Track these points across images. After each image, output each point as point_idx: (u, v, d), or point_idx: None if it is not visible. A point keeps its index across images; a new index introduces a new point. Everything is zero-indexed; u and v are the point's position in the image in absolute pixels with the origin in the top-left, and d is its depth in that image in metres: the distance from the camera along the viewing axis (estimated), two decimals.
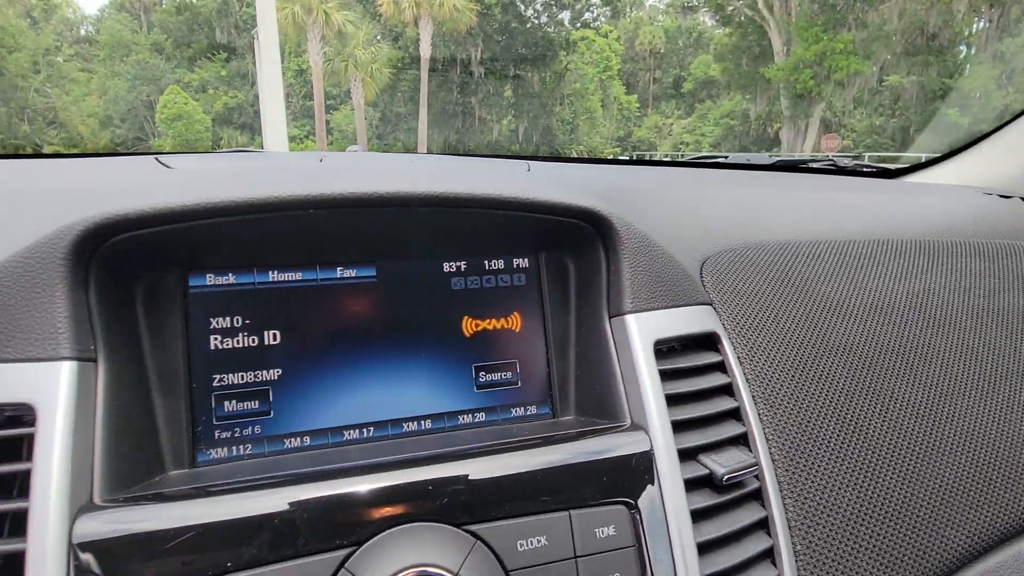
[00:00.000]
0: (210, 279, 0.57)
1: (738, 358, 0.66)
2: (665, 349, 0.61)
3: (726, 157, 1.67)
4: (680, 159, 1.75)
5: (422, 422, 0.62)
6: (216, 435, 0.56)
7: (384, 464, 0.47)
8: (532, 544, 0.44)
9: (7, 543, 0.40)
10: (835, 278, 0.82)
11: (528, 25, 32.11)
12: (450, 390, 0.63)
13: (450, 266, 0.65)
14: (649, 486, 0.50)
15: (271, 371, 0.58)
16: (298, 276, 0.60)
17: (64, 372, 0.44)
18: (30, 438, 0.42)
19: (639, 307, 0.60)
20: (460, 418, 0.63)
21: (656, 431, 0.53)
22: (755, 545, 0.55)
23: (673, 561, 0.48)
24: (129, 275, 0.53)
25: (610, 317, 0.61)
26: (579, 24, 35.15)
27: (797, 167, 1.62)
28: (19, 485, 0.43)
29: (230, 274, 0.58)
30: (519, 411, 0.65)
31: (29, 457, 0.42)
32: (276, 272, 0.59)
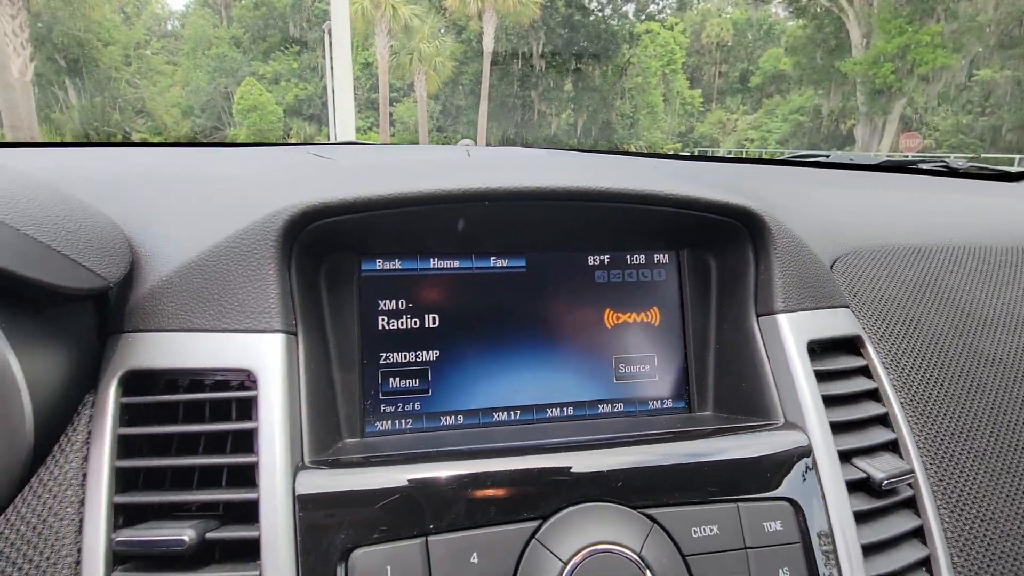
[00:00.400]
0: (379, 264, 0.62)
1: (882, 363, 0.65)
2: (817, 350, 0.61)
3: (827, 156, 1.61)
4: (778, 157, 1.70)
5: (564, 409, 0.64)
6: (382, 409, 0.60)
7: (567, 444, 0.50)
8: (705, 532, 0.46)
9: (240, 492, 0.45)
10: (976, 286, 0.79)
11: (591, 18, 31.74)
12: (591, 380, 0.65)
13: (594, 259, 0.67)
14: (811, 485, 0.51)
15: (430, 352, 0.62)
16: (455, 264, 0.64)
17: (277, 343, 0.49)
18: (253, 401, 0.47)
19: (790, 307, 0.60)
20: (600, 407, 0.65)
21: (815, 431, 0.53)
22: (911, 553, 0.54)
23: (838, 561, 0.49)
24: (317, 258, 0.58)
25: (758, 316, 0.61)
26: (644, 16, 34.44)
27: (906, 168, 1.54)
28: (239, 440, 0.48)
29: (397, 260, 0.62)
30: (655, 404, 0.67)
31: (253, 416, 0.47)
32: (436, 260, 0.63)
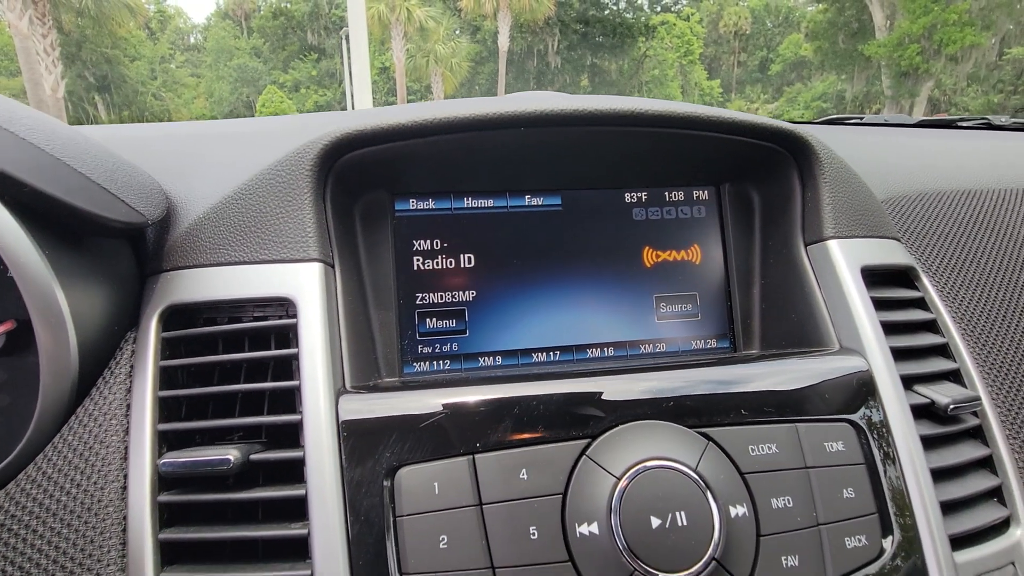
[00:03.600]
0: (413, 204, 0.61)
1: (939, 294, 0.62)
2: (869, 279, 0.58)
3: (861, 118, 1.56)
4: (812, 119, 1.65)
5: (605, 349, 0.62)
6: (419, 349, 0.59)
7: (615, 369, 0.48)
8: (763, 450, 0.44)
9: (284, 417, 0.44)
10: None
11: (606, 12, 31.52)
12: (631, 320, 0.63)
13: (631, 196, 0.65)
14: (873, 408, 0.48)
15: (467, 292, 0.61)
16: (490, 203, 0.62)
17: (315, 272, 0.48)
18: (293, 328, 0.47)
19: (841, 233, 0.57)
20: (641, 347, 0.63)
21: (875, 355, 0.51)
22: (981, 482, 0.51)
23: (905, 484, 0.46)
24: (352, 197, 0.57)
25: (806, 245, 0.59)
26: (659, 8, 34.07)
27: (946, 124, 1.49)
28: (279, 369, 0.47)
29: (430, 199, 0.61)
30: (699, 344, 0.64)
31: (293, 344, 0.46)
32: (470, 199, 0.62)
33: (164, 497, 0.43)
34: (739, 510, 0.41)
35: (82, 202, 0.45)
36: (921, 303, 0.61)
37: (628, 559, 0.38)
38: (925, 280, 0.62)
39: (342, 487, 0.41)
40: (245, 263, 0.50)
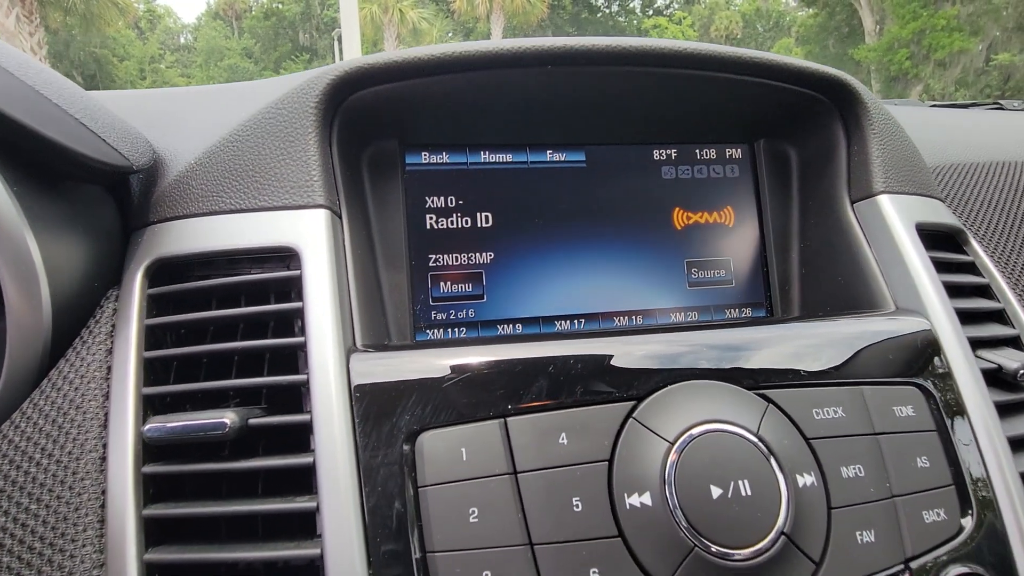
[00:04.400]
0: (425, 157, 0.56)
1: (991, 258, 0.58)
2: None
3: None
4: None
5: (634, 317, 0.58)
6: (433, 316, 0.54)
7: (655, 327, 0.44)
8: (829, 414, 0.39)
9: (289, 377, 0.39)
10: None
11: (599, 15, 31.60)
12: (661, 286, 0.59)
13: (660, 154, 0.60)
14: (941, 372, 0.44)
15: (484, 254, 0.56)
16: (509, 158, 0.57)
17: (322, 219, 0.43)
18: (297, 280, 0.41)
19: (892, 188, 0.53)
20: (672, 316, 0.58)
21: (939, 316, 0.46)
22: None
23: (982, 454, 0.41)
24: (360, 141, 0.52)
25: (852, 202, 0.54)
26: (651, 12, 34.20)
27: (960, 107, 1.46)
28: (280, 326, 0.42)
29: (444, 153, 0.56)
30: (733, 313, 0.60)
31: (298, 298, 0.41)
32: (488, 152, 0.57)
33: (149, 468, 0.37)
34: (807, 479, 0.36)
35: (59, 135, 0.40)
36: (971, 267, 0.56)
37: (687, 534, 0.33)
38: (975, 243, 0.58)
39: (355, 454, 0.35)
40: (242, 211, 0.44)
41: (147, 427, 0.37)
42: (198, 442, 0.37)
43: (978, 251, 0.58)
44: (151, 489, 0.37)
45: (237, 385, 0.40)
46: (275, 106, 0.46)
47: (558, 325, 0.56)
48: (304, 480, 0.36)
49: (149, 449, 0.38)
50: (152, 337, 0.42)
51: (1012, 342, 0.53)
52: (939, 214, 0.55)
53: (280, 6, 29.57)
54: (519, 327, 0.55)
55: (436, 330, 0.54)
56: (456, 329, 0.54)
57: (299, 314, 0.40)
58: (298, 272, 0.41)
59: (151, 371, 0.41)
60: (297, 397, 0.39)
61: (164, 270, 0.45)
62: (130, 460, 0.37)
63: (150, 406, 0.40)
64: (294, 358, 0.41)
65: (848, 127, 0.55)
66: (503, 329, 0.55)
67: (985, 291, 0.56)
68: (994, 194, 0.69)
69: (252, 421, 0.37)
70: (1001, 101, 1.54)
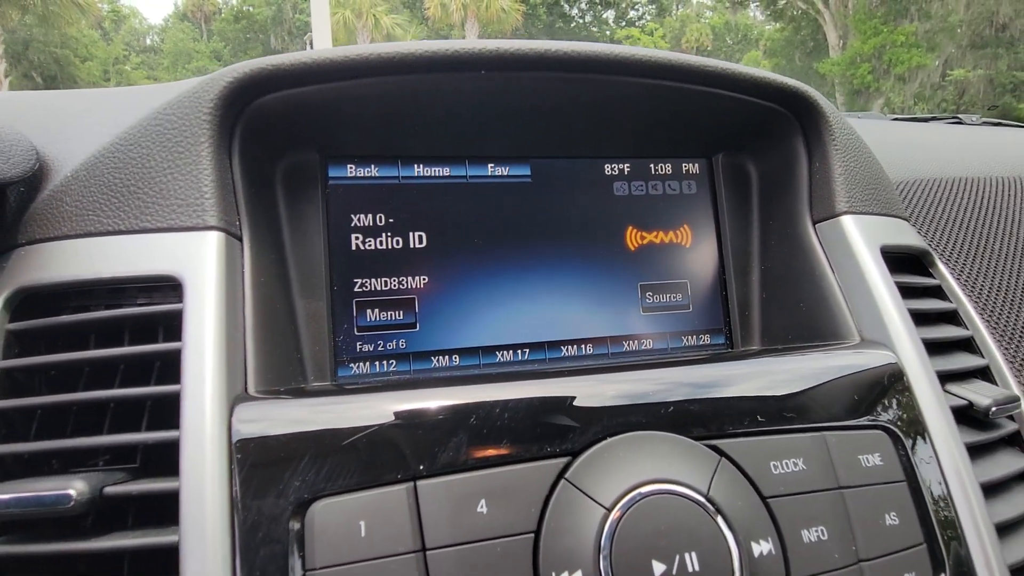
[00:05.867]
0: (351, 170, 0.50)
1: (957, 282, 0.55)
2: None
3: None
4: None
5: (583, 346, 0.53)
6: (358, 347, 0.48)
7: (596, 367, 0.39)
8: (788, 467, 0.35)
9: (155, 434, 0.33)
10: None
11: (572, 25, 31.92)
12: (613, 311, 0.54)
13: (612, 168, 0.56)
14: (908, 411, 0.40)
15: (417, 278, 0.50)
16: (446, 172, 0.52)
17: (211, 243, 0.37)
18: (178, 315, 0.35)
19: (856, 208, 0.49)
20: (625, 344, 0.54)
21: (905, 348, 0.42)
22: None
23: (954, 505, 0.37)
24: (270, 151, 0.46)
25: (815, 222, 0.50)
26: (624, 23, 34.71)
27: (920, 121, 1.46)
28: (166, 369, 0.36)
29: (372, 166, 0.50)
30: (690, 340, 0.55)
31: (178, 336, 0.35)
32: (422, 166, 0.52)
33: None
34: (764, 547, 0.32)
35: None
36: (938, 291, 0.53)
37: None
38: (941, 266, 0.55)
39: (231, 531, 0.29)
40: (120, 232, 0.38)
41: None
42: (39, 517, 0.30)
43: (944, 274, 0.54)
44: None
45: (103, 443, 0.33)
46: (164, 111, 0.40)
47: (499, 356, 0.51)
48: (171, 563, 0.30)
49: None
50: (10, 383, 0.36)
51: (981, 372, 0.50)
52: (904, 235, 0.52)
53: (251, 9, 29.11)
54: (456, 359, 0.50)
55: (361, 363, 0.48)
56: (384, 362, 0.49)
57: (178, 357, 0.34)
58: (180, 306, 0.35)
59: (4, 424, 0.35)
60: (172, 453, 0.33)
61: (33, 301, 0.38)
62: None
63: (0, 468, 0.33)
64: (175, 406, 0.35)
65: (809, 141, 0.51)
66: (438, 361, 0.50)
67: (952, 317, 0.52)
68: (958, 212, 0.66)
69: (108, 490, 0.31)
70: (960, 116, 1.55)
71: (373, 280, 0.49)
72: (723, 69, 0.47)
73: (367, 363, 0.48)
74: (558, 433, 0.33)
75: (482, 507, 0.31)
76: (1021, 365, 0.51)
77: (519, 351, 0.51)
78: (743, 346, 0.55)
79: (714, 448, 0.34)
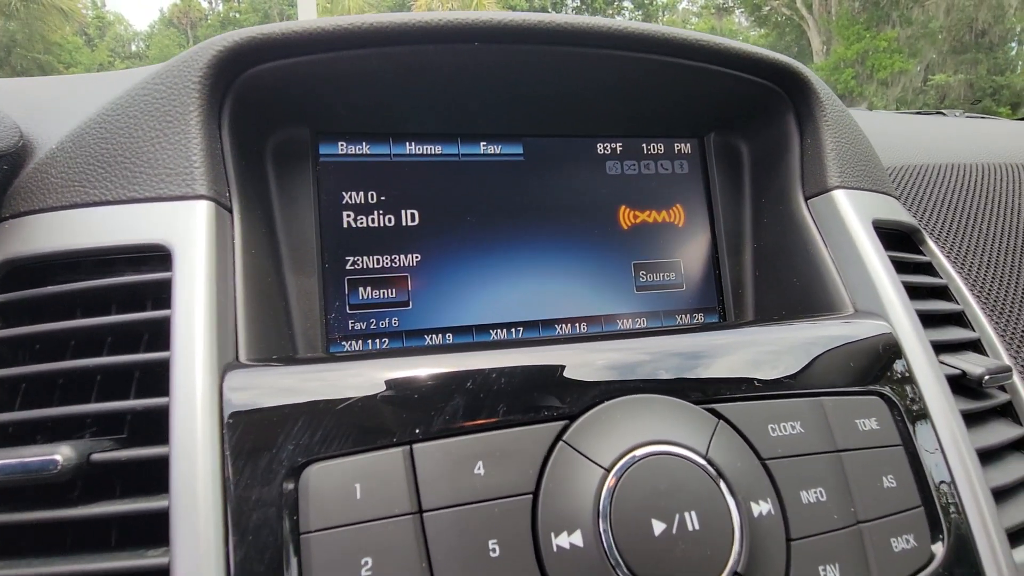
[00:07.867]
0: (342, 147, 0.50)
1: (947, 258, 0.55)
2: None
3: None
4: None
5: (577, 324, 0.52)
6: (350, 326, 0.48)
7: (594, 335, 0.38)
8: (786, 430, 0.34)
9: (144, 401, 0.32)
10: None
11: None
12: (607, 290, 0.54)
13: (604, 147, 0.56)
14: (904, 380, 0.40)
15: (409, 256, 0.50)
16: (438, 150, 0.52)
17: (201, 212, 0.37)
18: (167, 283, 0.34)
19: (847, 183, 0.49)
20: (619, 322, 0.53)
21: (900, 318, 0.42)
22: (1021, 466, 0.43)
23: (950, 470, 0.37)
24: (261, 126, 0.45)
25: (807, 198, 0.51)
26: None
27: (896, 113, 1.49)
28: (154, 340, 0.35)
29: (364, 143, 0.50)
30: (684, 318, 0.55)
31: (167, 305, 0.34)
32: (414, 144, 0.51)
33: None
34: (763, 507, 0.31)
35: None
36: (928, 268, 0.54)
37: None
38: (931, 243, 0.55)
39: (222, 495, 0.29)
40: (108, 203, 0.37)
41: None
42: (23, 484, 0.29)
43: (935, 251, 0.55)
44: None
45: (90, 412, 0.33)
46: (152, 81, 0.39)
47: (493, 334, 0.50)
48: (161, 529, 0.29)
49: None
50: None
51: (972, 345, 0.50)
52: (895, 211, 0.52)
53: (238, 15, 28.99)
54: (449, 337, 0.50)
55: (353, 341, 0.48)
56: (377, 340, 0.48)
57: (167, 323, 0.33)
58: (168, 275, 0.35)
59: None
60: (161, 420, 0.32)
61: (19, 273, 0.37)
62: None
63: None
64: (164, 373, 0.34)
65: (801, 119, 0.52)
66: (431, 339, 0.49)
67: (943, 292, 0.53)
68: (947, 195, 0.67)
69: (95, 456, 0.30)
70: (943, 111, 1.57)
71: (365, 258, 0.49)
72: (717, 44, 0.48)
73: (359, 340, 0.48)
74: (555, 397, 0.33)
75: (479, 469, 0.30)
76: (1012, 338, 0.52)
77: (512, 329, 0.51)
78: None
79: (712, 411, 0.34)
